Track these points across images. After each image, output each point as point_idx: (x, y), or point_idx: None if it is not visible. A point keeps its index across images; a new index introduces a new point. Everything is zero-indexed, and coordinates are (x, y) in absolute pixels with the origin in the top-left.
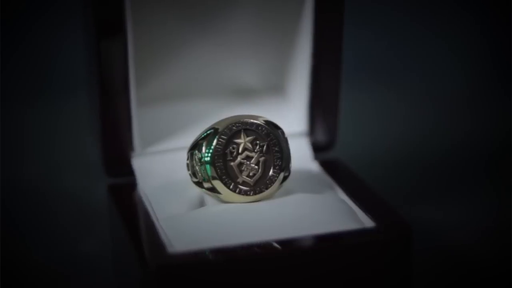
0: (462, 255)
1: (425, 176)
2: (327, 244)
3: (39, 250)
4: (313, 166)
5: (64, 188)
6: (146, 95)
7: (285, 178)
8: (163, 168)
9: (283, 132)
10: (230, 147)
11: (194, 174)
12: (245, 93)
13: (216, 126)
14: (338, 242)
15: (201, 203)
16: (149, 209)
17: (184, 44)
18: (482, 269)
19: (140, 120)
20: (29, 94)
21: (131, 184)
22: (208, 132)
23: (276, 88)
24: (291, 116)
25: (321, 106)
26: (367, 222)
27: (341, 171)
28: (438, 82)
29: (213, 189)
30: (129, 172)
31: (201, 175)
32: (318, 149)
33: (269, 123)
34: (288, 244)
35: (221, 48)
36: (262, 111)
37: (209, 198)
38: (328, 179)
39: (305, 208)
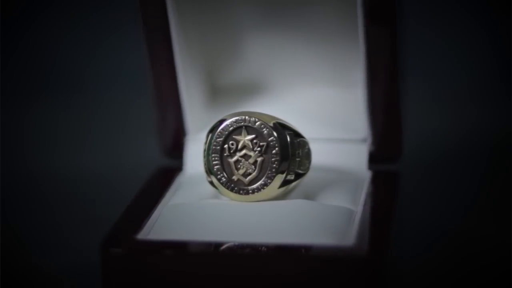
0: (462, 255)
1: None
2: (270, 253)
3: (45, 253)
4: (361, 175)
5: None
6: (219, 84)
7: (288, 182)
8: None
9: (296, 134)
10: (229, 143)
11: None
12: (304, 91)
13: (224, 118)
14: (281, 252)
15: (216, 195)
16: (170, 194)
17: (254, 37)
18: (481, 267)
19: (199, 106)
20: (29, 94)
21: (179, 168)
22: (216, 123)
23: (341, 88)
24: (352, 121)
25: (380, 113)
26: (349, 241)
27: (384, 185)
28: (438, 82)
29: (212, 183)
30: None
31: (204, 167)
32: (384, 159)
33: (276, 124)
34: (238, 248)
35: (288, 42)
36: (321, 110)
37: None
38: (363, 190)
39: (292, 215)
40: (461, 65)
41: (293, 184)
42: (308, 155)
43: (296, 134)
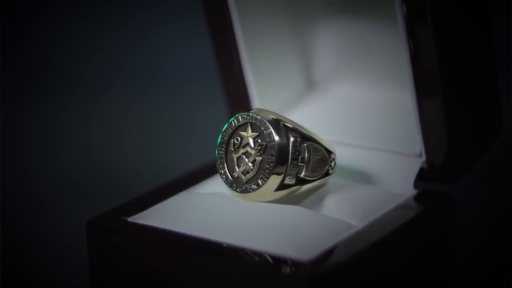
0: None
1: None
2: (215, 252)
3: (45, 253)
4: (400, 191)
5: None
6: (281, 77)
7: (286, 186)
8: None
9: (305, 138)
10: (235, 138)
11: None
12: (365, 93)
13: (248, 109)
14: (225, 254)
15: None
16: (204, 183)
17: (317, 32)
18: (481, 268)
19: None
20: (29, 93)
21: None
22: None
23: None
24: (405, 132)
25: (428, 126)
26: (307, 257)
27: (418, 205)
28: None
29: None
30: None
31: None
32: (438, 180)
33: (280, 125)
34: (191, 242)
35: (355, 38)
36: (376, 116)
37: None
38: (388, 208)
39: (274, 220)
40: None
41: (303, 188)
42: (322, 162)
43: (305, 138)
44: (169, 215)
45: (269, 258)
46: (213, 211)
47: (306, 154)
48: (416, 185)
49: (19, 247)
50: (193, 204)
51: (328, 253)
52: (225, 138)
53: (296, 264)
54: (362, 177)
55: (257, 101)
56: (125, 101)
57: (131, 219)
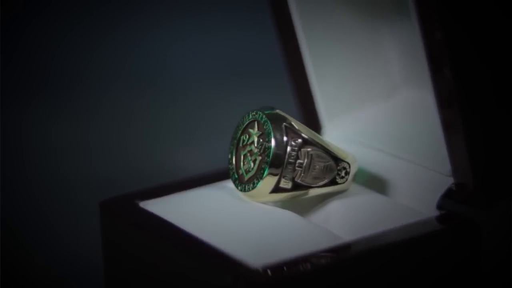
0: None
1: None
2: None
3: (45, 254)
4: (419, 208)
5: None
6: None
7: (282, 189)
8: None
9: (306, 142)
10: (244, 135)
11: None
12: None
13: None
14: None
15: None
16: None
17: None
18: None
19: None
20: (28, 93)
21: None
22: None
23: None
24: (434, 149)
25: (453, 146)
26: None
27: (431, 228)
28: None
29: None
30: None
31: None
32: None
33: (282, 126)
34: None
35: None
36: (413, 125)
37: None
38: (395, 226)
39: (256, 223)
40: None
41: (309, 193)
42: (327, 169)
43: (308, 143)
44: (175, 206)
45: (217, 258)
46: (212, 208)
47: (305, 159)
48: (439, 206)
49: (19, 247)
50: (201, 199)
51: (285, 264)
52: (237, 134)
53: (242, 269)
54: (388, 188)
55: (322, 106)
56: (125, 101)
57: (142, 204)
